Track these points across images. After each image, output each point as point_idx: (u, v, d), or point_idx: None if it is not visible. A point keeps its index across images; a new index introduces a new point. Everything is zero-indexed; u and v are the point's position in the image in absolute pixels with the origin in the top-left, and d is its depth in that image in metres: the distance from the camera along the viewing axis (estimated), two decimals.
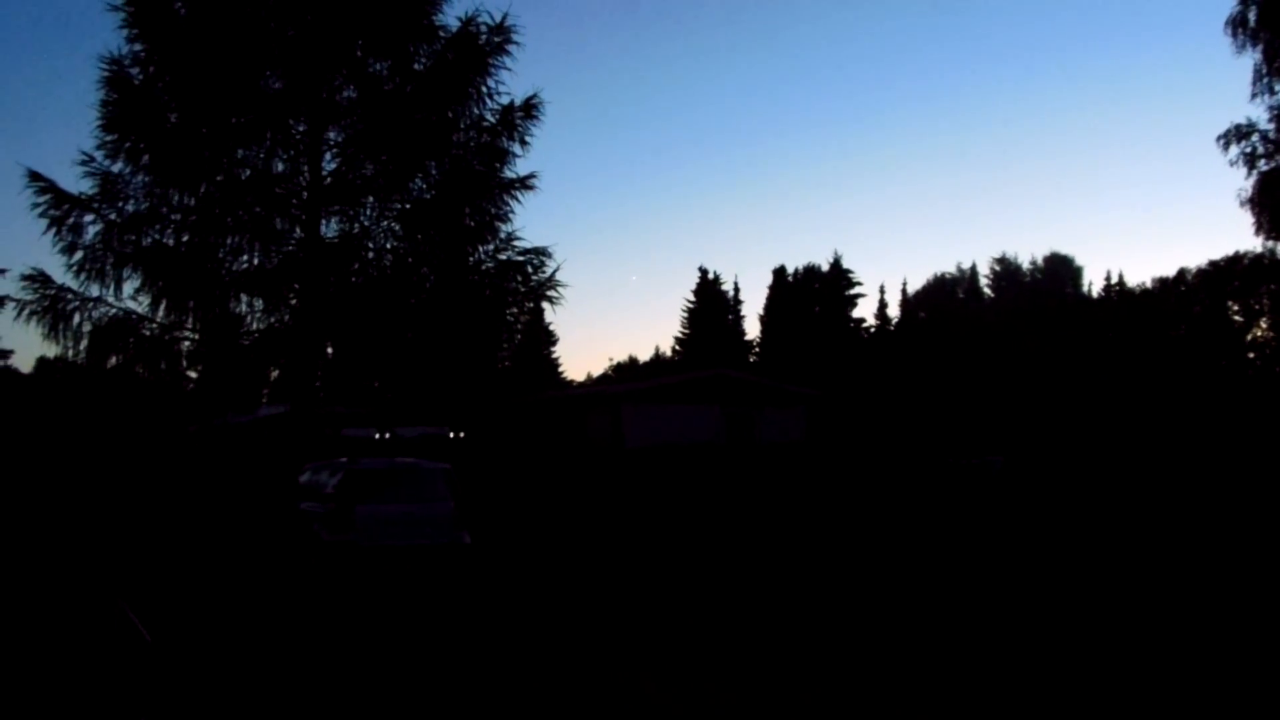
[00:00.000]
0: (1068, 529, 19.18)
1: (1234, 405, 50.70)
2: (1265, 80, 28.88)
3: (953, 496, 26.51)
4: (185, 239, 16.46)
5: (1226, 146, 30.19)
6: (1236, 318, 61.82)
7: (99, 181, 16.07)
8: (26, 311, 15.94)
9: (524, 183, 17.36)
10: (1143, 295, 68.70)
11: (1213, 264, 61.36)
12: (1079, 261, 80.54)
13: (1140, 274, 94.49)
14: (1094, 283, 78.83)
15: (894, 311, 78.74)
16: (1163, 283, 67.13)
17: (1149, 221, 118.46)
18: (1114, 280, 73.55)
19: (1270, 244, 33.74)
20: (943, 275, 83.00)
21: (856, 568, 14.67)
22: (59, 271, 16.05)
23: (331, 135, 17.17)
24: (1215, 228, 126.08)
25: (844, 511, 23.23)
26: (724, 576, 13.91)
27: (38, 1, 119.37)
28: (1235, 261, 58.60)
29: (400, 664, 8.92)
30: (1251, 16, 28.82)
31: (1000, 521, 20.65)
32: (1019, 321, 68.22)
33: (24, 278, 15.96)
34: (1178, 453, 36.96)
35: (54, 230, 15.80)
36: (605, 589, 13.03)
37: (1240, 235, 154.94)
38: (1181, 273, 65.19)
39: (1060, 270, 79.47)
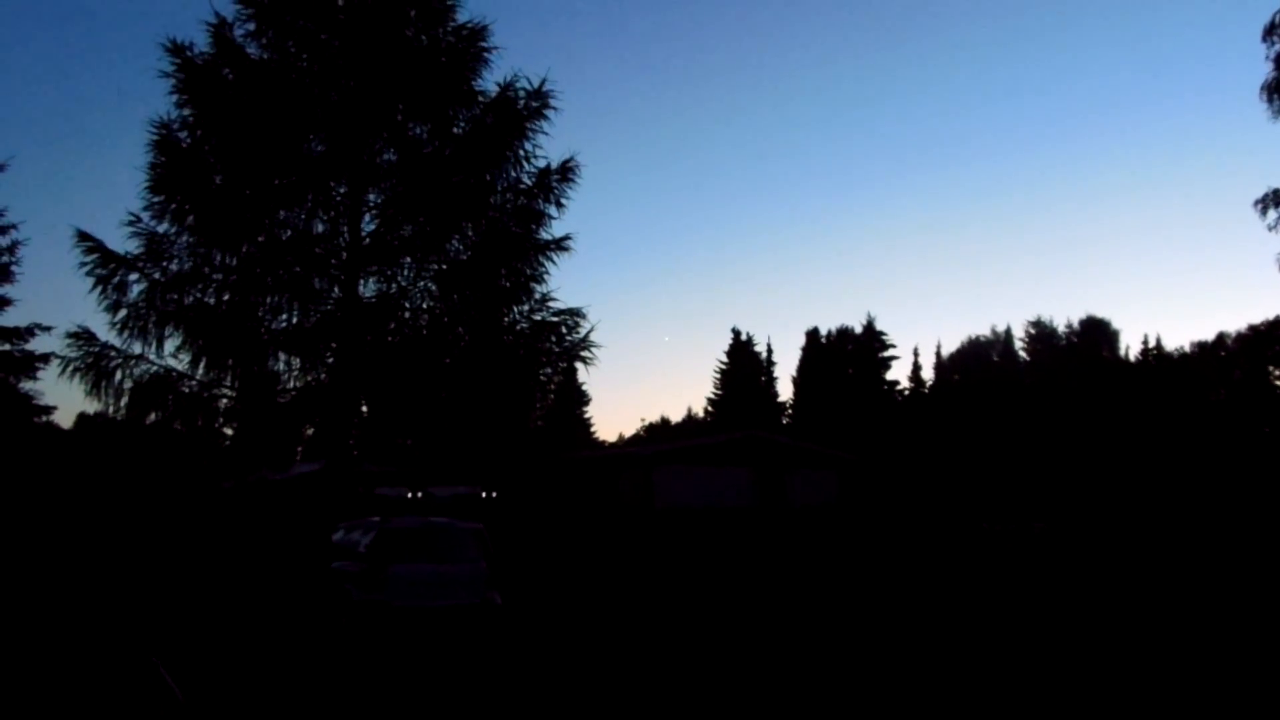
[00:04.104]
0: (1113, 606, 18.73)
1: (1276, 471, 49.72)
2: None
3: (988, 563, 26.00)
4: (226, 298, 16.63)
5: (1264, 211, 29.76)
6: (1278, 383, 60.92)
7: (144, 241, 16.30)
8: (71, 368, 16.09)
9: (559, 244, 17.50)
10: (1181, 359, 67.93)
11: (1253, 328, 60.79)
12: (1115, 325, 79.86)
13: (1178, 338, 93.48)
14: (1131, 346, 77.78)
15: (928, 374, 78.44)
16: (1201, 347, 66.46)
17: (1186, 285, 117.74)
18: (1151, 344, 72.69)
19: None
20: (977, 338, 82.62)
21: (887, 637, 14.41)
22: (103, 329, 16.28)
23: (371, 197, 17.43)
24: (1254, 292, 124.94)
25: (874, 578, 22.84)
26: (752, 641, 13.70)
27: (90, 68, 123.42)
28: (1276, 326, 58.01)
29: None
30: None
31: (1038, 594, 20.20)
32: (1055, 385, 67.54)
33: (69, 335, 16.16)
34: (1220, 519, 36.20)
35: (100, 289, 16.00)
36: (633, 651, 12.86)
37: None
38: (1221, 337, 64.60)
39: (1096, 334, 78.65)
